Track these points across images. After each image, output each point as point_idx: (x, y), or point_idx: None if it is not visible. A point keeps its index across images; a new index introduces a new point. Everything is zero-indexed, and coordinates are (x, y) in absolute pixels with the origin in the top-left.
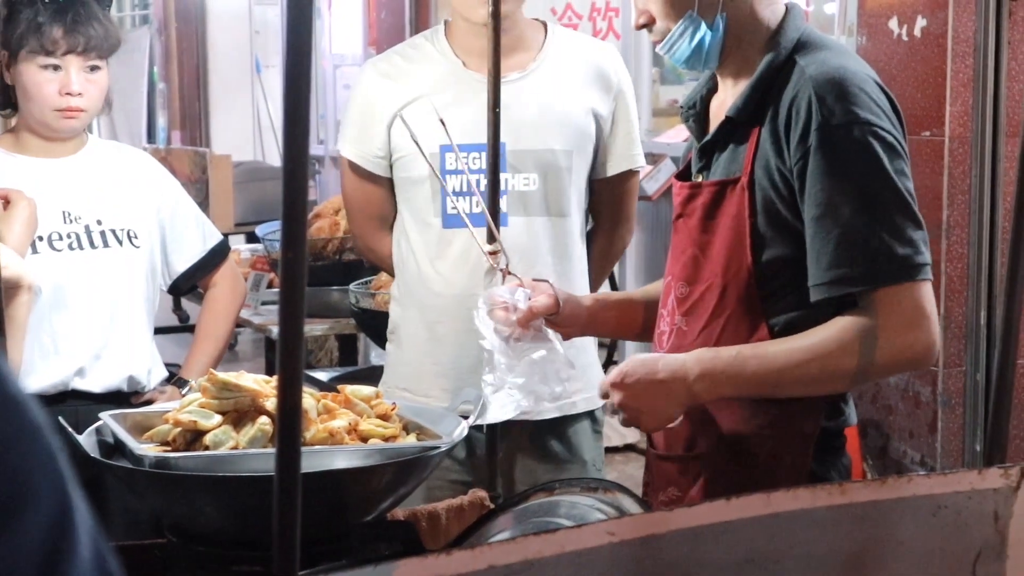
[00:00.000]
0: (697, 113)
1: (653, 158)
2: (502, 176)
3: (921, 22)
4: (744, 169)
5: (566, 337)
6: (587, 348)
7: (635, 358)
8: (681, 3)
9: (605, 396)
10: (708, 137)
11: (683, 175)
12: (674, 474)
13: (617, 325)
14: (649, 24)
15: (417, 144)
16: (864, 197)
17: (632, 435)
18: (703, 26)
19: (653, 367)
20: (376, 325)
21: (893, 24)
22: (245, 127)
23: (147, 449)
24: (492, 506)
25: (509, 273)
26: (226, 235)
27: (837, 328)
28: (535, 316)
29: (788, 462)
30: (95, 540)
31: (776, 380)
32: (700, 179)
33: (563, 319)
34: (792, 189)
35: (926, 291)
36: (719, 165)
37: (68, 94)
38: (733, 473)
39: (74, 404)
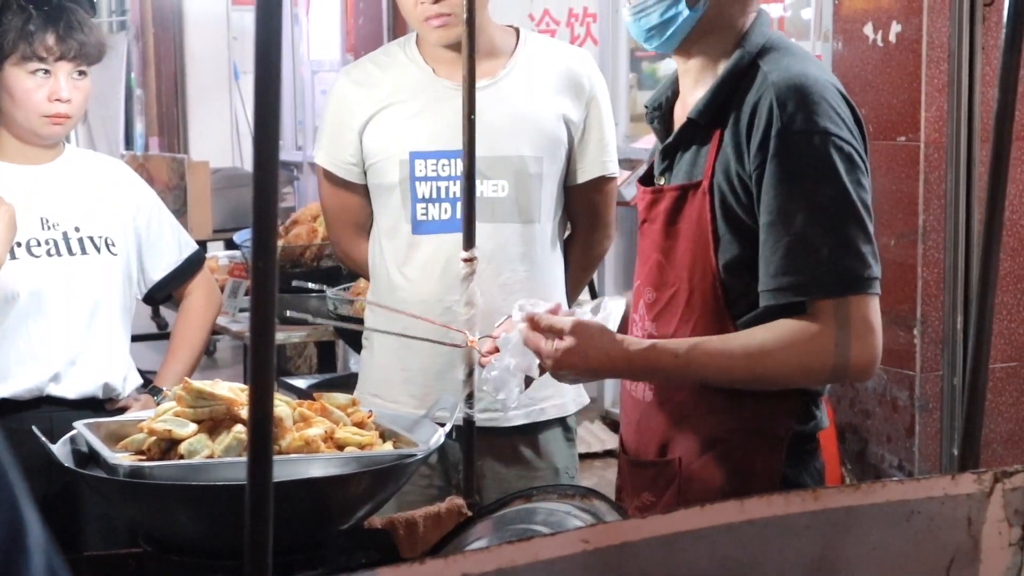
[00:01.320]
0: (662, 114)
1: (631, 163)
2: None
3: (896, 28)
4: (705, 173)
5: None
6: None
7: (587, 327)
8: None
9: (550, 330)
10: (670, 139)
11: (647, 179)
12: (647, 479)
13: None
14: None
15: None
16: (816, 206)
17: (611, 441)
18: (683, 3)
19: (603, 351)
20: (354, 332)
21: (868, 30)
22: (223, 133)
23: (122, 458)
24: (470, 513)
25: (482, 338)
26: (204, 242)
27: (784, 332)
28: None
29: (760, 466)
30: (48, 557)
31: (718, 380)
32: (663, 181)
33: None
34: (751, 194)
35: (872, 304)
36: (681, 168)
37: (57, 100)
38: (706, 478)
39: (48, 410)
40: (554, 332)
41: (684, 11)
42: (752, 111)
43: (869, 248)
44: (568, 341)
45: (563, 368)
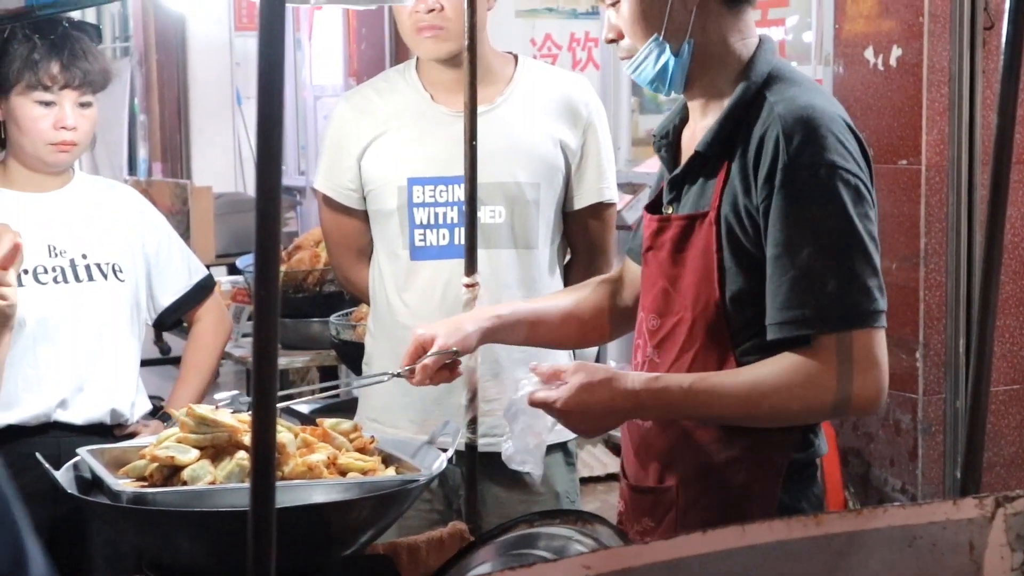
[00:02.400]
0: (669, 143)
1: (632, 188)
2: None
3: (896, 51)
4: (712, 204)
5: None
6: None
7: (590, 366)
8: (649, 24)
9: (553, 377)
10: (678, 171)
11: (654, 206)
12: (647, 505)
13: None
14: (617, 39)
15: None
16: (823, 240)
17: (614, 465)
18: (668, 51)
19: (608, 382)
20: (357, 357)
21: (869, 54)
22: (226, 158)
23: (124, 485)
24: (472, 538)
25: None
26: (207, 267)
27: (786, 368)
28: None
29: (758, 493)
30: None
31: (722, 417)
32: (671, 211)
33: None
34: (757, 226)
35: (878, 338)
36: (689, 198)
37: (63, 128)
38: (704, 505)
39: (56, 436)
40: (557, 377)
41: (671, 58)
42: (759, 143)
43: (875, 281)
44: (573, 381)
45: (572, 411)
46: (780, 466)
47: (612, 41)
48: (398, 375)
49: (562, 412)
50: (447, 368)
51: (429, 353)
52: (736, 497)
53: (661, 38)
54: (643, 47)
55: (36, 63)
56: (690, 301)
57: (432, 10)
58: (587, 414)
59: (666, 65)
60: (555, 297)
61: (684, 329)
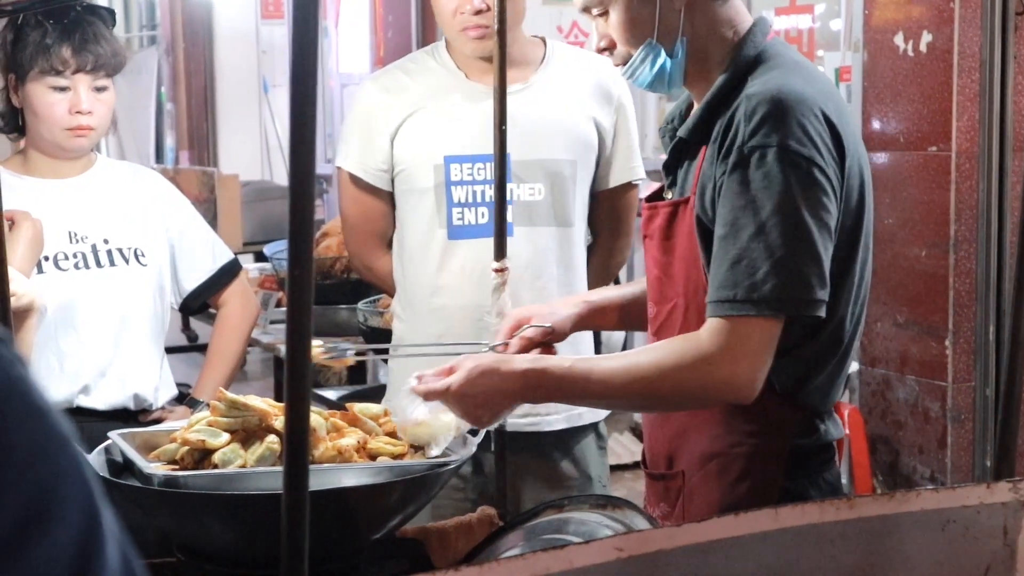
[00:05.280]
0: (674, 129)
1: (659, 175)
2: (508, 186)
3: (927, 37)
4: (692, 189)
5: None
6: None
7: (478, 355)
8: (640, 30)
9: (443, 373)
10: (667, 158)
11: (657, 194)
12: (661, 490)
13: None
14: (610, 48)
15: None
16: (762, 223)
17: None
18: (663, 52)
19: (496, 365)
20: (384, 343)
21: (899, 40)
22: (253, 147)
23: (156, 468)
24: (501, 523)
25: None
26: (235, 254)
27: (669, 350)
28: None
29: (756, 479)
30: (123, 548)
31: (601, 399)
32: (668, 196)
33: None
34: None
35: (775, 328)
36: (678, 184)
37: (78, 112)
38: (706, 491)
39: (79, 421)
40: (443, 372)
41: (668, 60)
42: (726, 126)
43: (815, 269)
44: (464, 367)
45: (466, 394)
46: (780, 452)
47: (604, 50)
48: (493, 348)
49: (456, 396)
50: (545, 349)
51: (526, 326)
52: (735, 484)
53: (655, 41)
54: (637, 52)
55: (48, 48)
56: (681, 287)
57: (479, 11)
58: (479, 397)
59: (663, 66)
60: (639, 283)
61: (679, 315)
